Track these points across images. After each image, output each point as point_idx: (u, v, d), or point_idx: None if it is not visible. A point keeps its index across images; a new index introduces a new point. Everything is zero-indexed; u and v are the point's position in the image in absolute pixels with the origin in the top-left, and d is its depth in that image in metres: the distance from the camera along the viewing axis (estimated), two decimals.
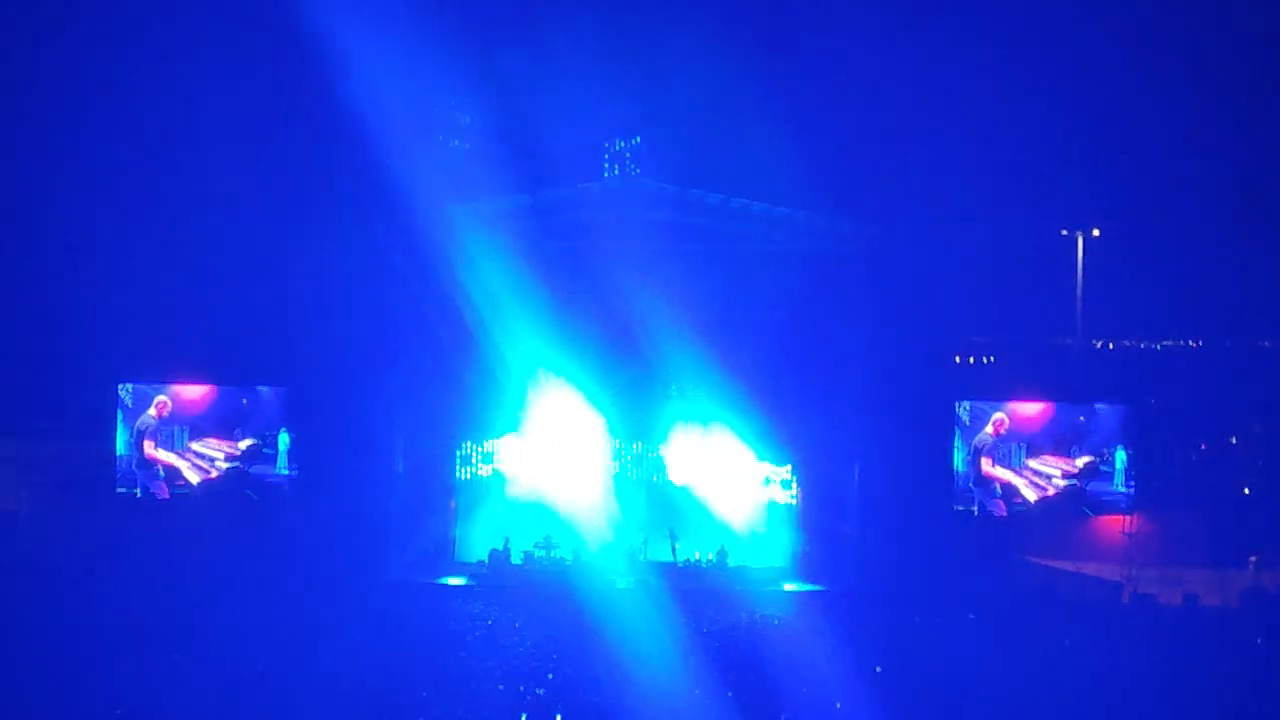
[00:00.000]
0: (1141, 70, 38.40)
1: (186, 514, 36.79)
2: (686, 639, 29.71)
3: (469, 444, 38.91)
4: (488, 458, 39.07)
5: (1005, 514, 37.60)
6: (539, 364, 38.25)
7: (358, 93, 35.47)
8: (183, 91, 37.17)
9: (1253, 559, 36.67)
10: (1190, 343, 41.64)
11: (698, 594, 35.66)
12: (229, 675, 24.27)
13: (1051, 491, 37.64)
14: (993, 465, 37.54)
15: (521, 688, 24.09)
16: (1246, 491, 39.68)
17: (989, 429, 37.50)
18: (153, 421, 37.06)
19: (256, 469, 37.33)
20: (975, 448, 37.52)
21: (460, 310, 37.32)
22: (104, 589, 32.73)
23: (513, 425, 38.94)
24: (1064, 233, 40.18)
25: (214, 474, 37.28)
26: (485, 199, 36.85)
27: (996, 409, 37.65)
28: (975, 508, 37.58)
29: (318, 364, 36.48)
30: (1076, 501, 37.66)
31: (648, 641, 29.11)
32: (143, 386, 37.26)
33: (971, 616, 32.13)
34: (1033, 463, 37.64)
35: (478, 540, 38.77)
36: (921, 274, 36.32)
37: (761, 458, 38.59)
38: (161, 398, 37.17)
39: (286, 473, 37.24)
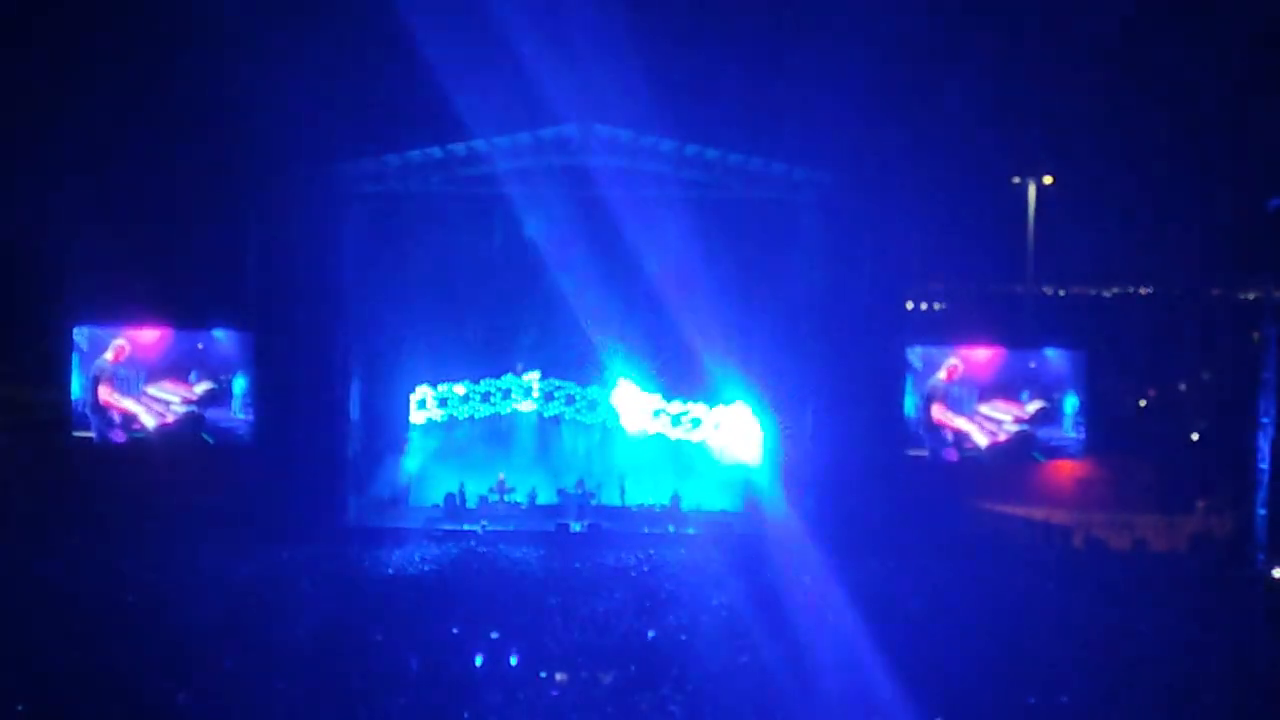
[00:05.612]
0: (1093, 18, 38.58)
1: (143, 458, 36.79)
2: (639, 578, 30.05)
3: (423, 389, 39.12)
4: (440, 403, 39.32)
5: (957, 459, 37.90)
6: (488, 311, 38.52)
7: (313, 32, 35.34)
8: (134, 29, 36.92)
9: (1200, 504, 37.14)
10: (1140, 290, 41.98)
11: (649, 537, 36.05)
12: (183, 619, 24.38)
13: (1003, 437, 37.92)
14: (945, 411, 37.80)
15: (477, 630, 24.24)
16: (1194, 437, 40.15)
17: (941, 374, 37.73)
18: (109, 365, 36.98)
19: (212, 413, 37.32)
20: (928, 393, 37.76)
21: (412, 255, 37.50)
22: (60, 534, 32.81)
23: (467, 371, 39.22)
24: (1016, 180, 40.43)
25: (170, 418, 37.23)
26: (431, 146, 36.77)
27: (948, 354, 37.91)
28: (927, 453, 37.84)
29: (273, 308, 36.40)
30: (1027, 447, 37.98)
31: (603, 582, 29.39)
32: (99, 330, 37.17)
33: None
34: (984, 408, 37.89)
35: (433, 485, 39.03)
36: (875, 220, 36.32)
37: (715, 403, 39.00)
38: (120, 341, 37.04)
39: (242, 416, 37.22)
